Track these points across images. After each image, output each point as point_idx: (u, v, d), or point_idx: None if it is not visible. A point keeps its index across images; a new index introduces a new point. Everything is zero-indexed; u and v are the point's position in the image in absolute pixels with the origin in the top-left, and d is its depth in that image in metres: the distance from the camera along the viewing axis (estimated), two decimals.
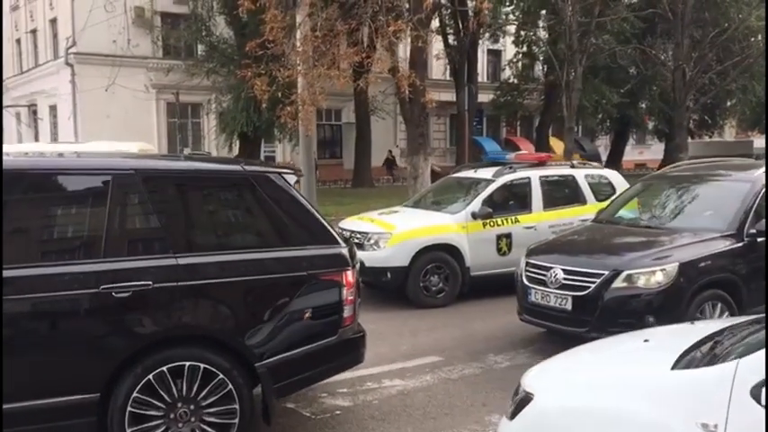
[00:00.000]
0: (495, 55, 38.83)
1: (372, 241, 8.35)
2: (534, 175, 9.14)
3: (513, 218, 8.84)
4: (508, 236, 8.75)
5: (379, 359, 6.16)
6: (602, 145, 39.25)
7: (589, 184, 9.48)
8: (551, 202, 9.17)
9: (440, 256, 8.39)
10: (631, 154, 40.27)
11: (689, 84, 20.93)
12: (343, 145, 32.26)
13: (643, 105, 34.31)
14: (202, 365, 3.97)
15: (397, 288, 8.40)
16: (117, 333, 3.90)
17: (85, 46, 26.28)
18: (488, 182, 8.98)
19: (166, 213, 4.14)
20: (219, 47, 23.18)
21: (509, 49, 34.49)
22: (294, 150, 23.67)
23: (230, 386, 4.03)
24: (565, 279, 5.96)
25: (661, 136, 38.39)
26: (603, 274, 5.74)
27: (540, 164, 9.43)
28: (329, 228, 4.49)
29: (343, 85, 14.65)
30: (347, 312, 4.38)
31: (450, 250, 8.44)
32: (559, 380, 3.11)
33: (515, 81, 33.35)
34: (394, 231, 8.34)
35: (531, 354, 6.40)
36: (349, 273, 4.39)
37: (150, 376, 3.89)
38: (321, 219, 4.46)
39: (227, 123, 22.09)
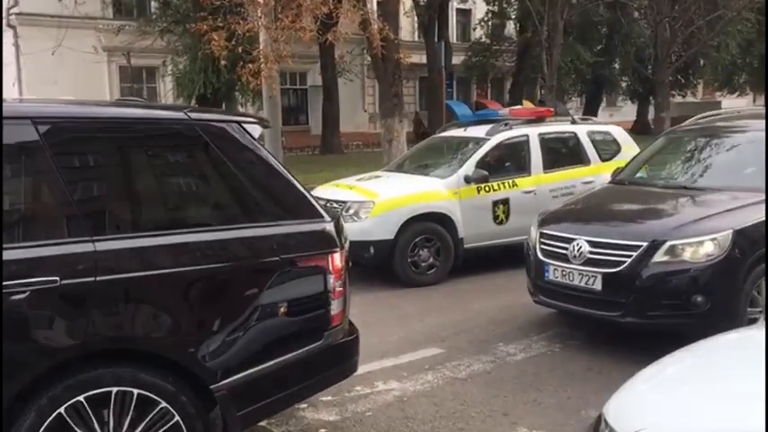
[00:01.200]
0: (464, 15, 37.50)
1: (352, 211, 7.22)
2: (533, 132, 8.07)
3: (510, 181, 7.77)
4: (505, 202, 7.69)
5: (367, 354, 5.05)
6: (573, 107, 38.38)
7: (592, 141, 8.45)
8: (552, 162, 8.12)
9: (430, 227, 7.30)
10: (602, 116, 39.38)
11: (671, 38, 20.04)
12: (310, 110, 30.80)
13: (616, 66, 33.51)
14: (136, 391, 2.84)
15: (381, 264, 7.32)
16: (10, 352, 2.73)
17: (29, 6, 24.29)
18: (481, 141, 7.88)
19: (79, 179, 2.96)
20: (174, 3, 21.51)
21: (480, 8, 33.24)
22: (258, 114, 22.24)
23: (177, 418, 2.92)
24: (591, 253, 4.92)
25: (634, 97, 37.71)
26: (641, 246, 4.71)
27: (539, 120, 8.34)
28: (309, 196, 3.34)
29: (310, 40, 13.34)
30: (335, 308, 3.27)
31: (442, 220, 7.36)
32: (692, 424, 2.01)
33: (487, 41, 32.24)
34: (377, 199, 7.21)
35: (548, 341, 5.39)
36: (336, 256, 3.27)
37: (62, 410, 2.75)
38: (297, 184, 3.31)
39: (184, 86, 20.54)
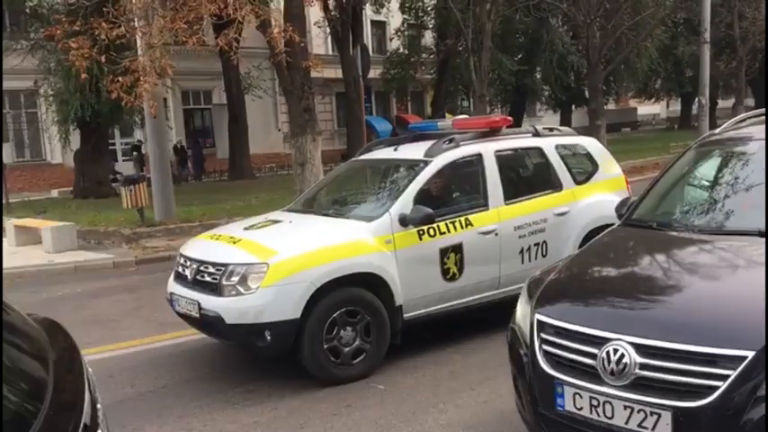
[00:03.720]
0: (379, 26, 35.62)
1: (235, 279, 4.81)
2: (487, 150, 5.90)
3: (462, 219, 5.55)
4: (458, 249, 5.46)
5: None
6: None
7: (562, 158, 6.37)
8: (514, 190, 5.98)
9: (353, 295, 4.98)
10: (524, 127, 38.11)
11: (602, 42, 18.63)
12: (215, 131, 28.08)
13: (538, 75, 32.41)
14: None
15: (284, 353, 4.95)
16: None
17: None
18: (420, 164, 5.65)
19: None
20: (45, 16, 18.48)
21: (396, 19, 31.44)
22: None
23: None
24: (644, 368, 2.73)
25: (556, 106, 36.73)
26: (744, 359, 2.55)
27: (493, 132, 6.17)
28: None
29: (198, 45, 10.88)
30: None
31: (370, 282, 5.05)
32: None
33: (405, 52, 30.48)
34: (272, 260, 4.83)
35: None
36: None
37: None
38: None
39: (60, 109, 17.60)
